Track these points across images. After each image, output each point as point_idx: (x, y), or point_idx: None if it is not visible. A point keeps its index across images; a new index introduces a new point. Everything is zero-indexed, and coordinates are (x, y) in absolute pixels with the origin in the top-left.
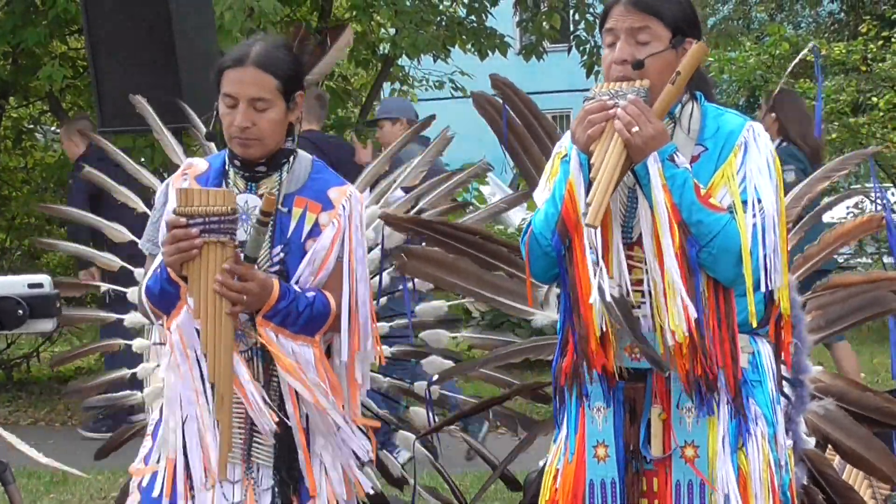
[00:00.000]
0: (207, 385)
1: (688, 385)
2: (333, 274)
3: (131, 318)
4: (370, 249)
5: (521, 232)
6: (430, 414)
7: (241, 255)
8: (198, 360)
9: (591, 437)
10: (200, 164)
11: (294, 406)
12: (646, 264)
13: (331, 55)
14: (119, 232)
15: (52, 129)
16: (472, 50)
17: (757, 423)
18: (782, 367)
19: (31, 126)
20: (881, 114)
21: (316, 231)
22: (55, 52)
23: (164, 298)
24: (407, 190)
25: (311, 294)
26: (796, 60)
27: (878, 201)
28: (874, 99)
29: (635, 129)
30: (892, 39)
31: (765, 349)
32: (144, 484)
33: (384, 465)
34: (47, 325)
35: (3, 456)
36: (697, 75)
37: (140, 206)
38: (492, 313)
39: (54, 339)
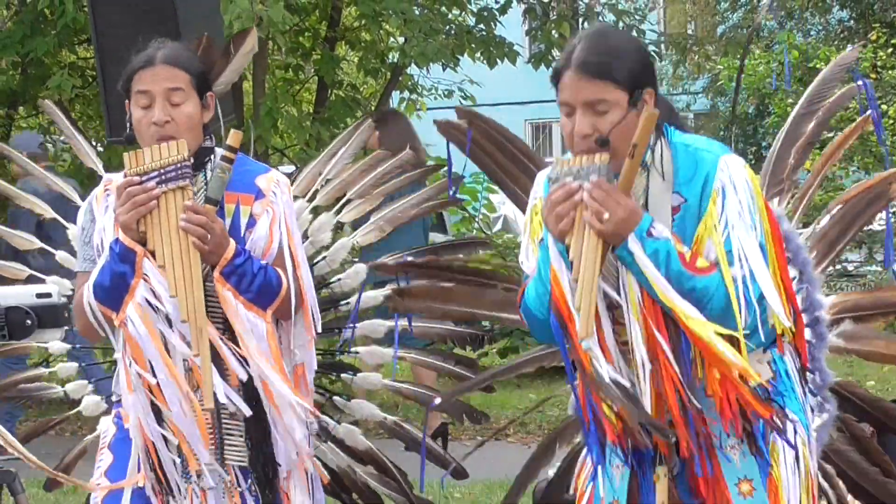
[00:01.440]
0: (178, 355)
1: (686, 451)
2: (276, 261)
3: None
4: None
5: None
6: (425, 438)
7: (203, 199)
8: (162, 334)
9: (608, 494)
10: (119, 177)
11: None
12: (631, 338)
13: (237, 61)
14: (25, 239)
15: (62, 139)
16: (482, 59)
17: (796, 432)
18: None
19: (41, 135)
20: (891, 121)
21: (252, 223)
22: (64, 61)
23: (116, 285)
24: None
25: (262, 262)
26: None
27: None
28: (884, 106)
29: (605, 215)
30: None
31: (786, 354)
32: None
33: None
34: (56, 334)
35: (12, 465)
36: (663, 107)
37: (49, 212)
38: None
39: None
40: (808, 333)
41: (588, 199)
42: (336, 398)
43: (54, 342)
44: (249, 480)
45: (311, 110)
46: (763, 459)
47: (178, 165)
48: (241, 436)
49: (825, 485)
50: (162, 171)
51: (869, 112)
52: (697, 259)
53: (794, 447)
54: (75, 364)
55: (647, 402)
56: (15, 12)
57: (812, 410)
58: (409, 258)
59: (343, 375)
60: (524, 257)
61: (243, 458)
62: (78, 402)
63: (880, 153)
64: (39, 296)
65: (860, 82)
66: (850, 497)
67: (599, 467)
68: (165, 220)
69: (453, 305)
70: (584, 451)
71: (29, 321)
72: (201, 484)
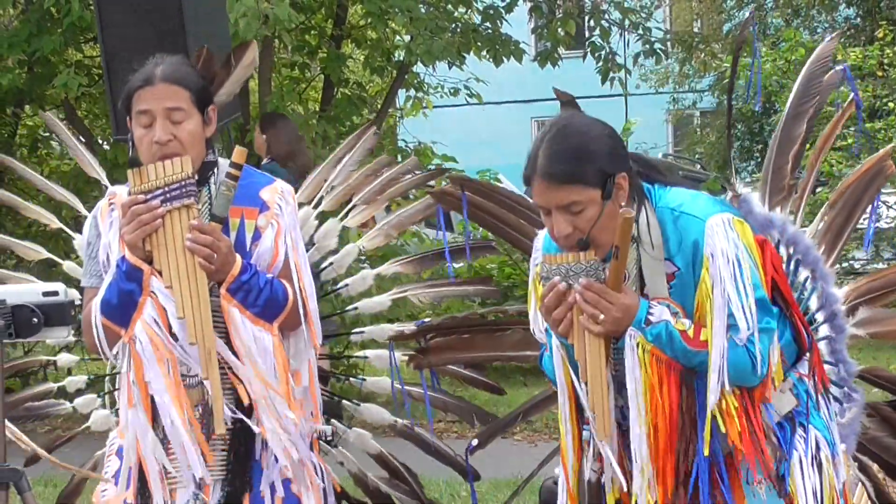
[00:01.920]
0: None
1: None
2: (282, 272)
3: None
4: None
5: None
6: (468, 463)
7: (208, 216)
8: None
9: None
10: (124, 191)
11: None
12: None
13: (238, 73)
14: (32, 250)
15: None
16: (487, 57)
17: (820, 449)
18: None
19: (47, 134)
20: None
21: (258, 236)
22: (70, 60)
23: (123, 303)
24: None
25: (269, 276)
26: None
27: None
28: (891, 104)
29: (601, 317)
30: None
31: (804, 375)
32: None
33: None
34: (62, 332)
35: (19, 464)
36: (638, 161)
37: (54, 222)
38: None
39: (71, 347)
40: (826, 328)
41: (581, 303)
42: (346, 402)
43: (63, 355)
44: (221, 494)
45: (318, 108)
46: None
47: (183, 183)
48: (223, 449)
49: (862, 477)
50: (167, 188)
51: (851, 97)
52: (701, 331)
53: (819, 463)
54: (84, 377)
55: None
56: (21, 11)
57: (840, 403)
58: (426, 322)
59: (352, 380)
60: (534, 325)
61: (222, 473)
62: (88, 417)
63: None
64: (46, 294)
65: (839, 68)
66: (888, 481)
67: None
68: (171, 239)
69: (476, 352)
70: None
71: (35, 319)
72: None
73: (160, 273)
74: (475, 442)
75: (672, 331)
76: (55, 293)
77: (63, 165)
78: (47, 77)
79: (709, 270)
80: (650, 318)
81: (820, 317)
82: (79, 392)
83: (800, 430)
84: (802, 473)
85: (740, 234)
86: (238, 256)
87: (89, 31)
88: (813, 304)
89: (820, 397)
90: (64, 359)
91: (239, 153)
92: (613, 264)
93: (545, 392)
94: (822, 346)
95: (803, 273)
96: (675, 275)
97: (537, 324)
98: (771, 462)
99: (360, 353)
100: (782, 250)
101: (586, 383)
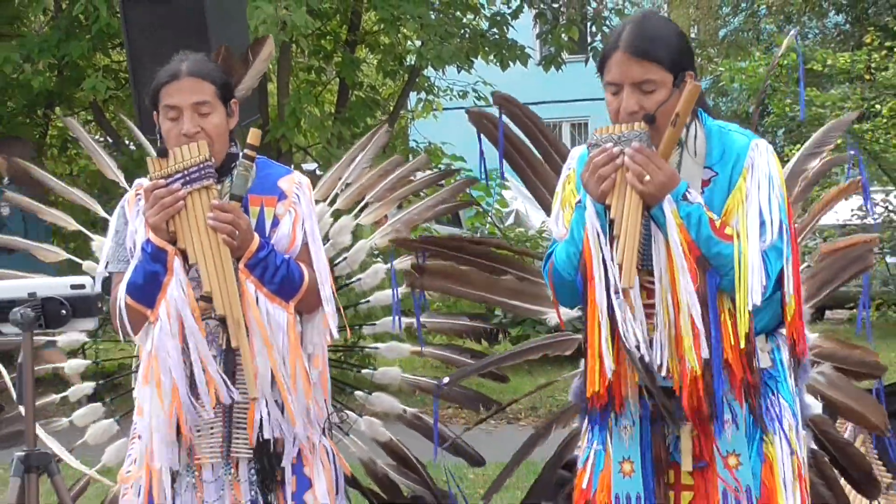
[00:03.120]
0: (200, 349)
1: (693, 415)
2: (299, 257)
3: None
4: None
5: (544, 257)
6: (436, 411)
7: (228, 195)
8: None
9: (617, 453)
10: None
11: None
12: (658, 298)
13: (255, 67)
14: (51, 252)
15: (96, 137)
16: (495, 61)
17: (784, 416)
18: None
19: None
20: (884, 120)
21: (276, 223)
22: (98, 64)
23: (149, 284)
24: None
25: (285, 256)
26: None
27: (853, 168)
28: (878, 106)
29: (647, 178)
30: (895, 50)
31: (782, 344)
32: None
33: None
34: (89, 324)
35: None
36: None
37: (73, 224)
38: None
39: (99, 337)
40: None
41: (630, 163)
42: (357, 392)
43: (72, 361)
44: (252, 471)
45: (333, 110)
46: (761, 430)
47: (201, 166)
48: (245, 428)
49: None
50: (186, 172)
51: (858, 178)
52: (725, 227)
53: (784, 429)
54: (91, 384)
55: (663, 362)
56: (51, 18)
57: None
58: (429, 236)
59: (364, 370)
60: (554, 223)
61: (249, 451)
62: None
63: (874, 150)
64: (74, 287)
65: (852, 151)
66: None
67: (602, 431)
68: (193, 219)
69: (469, 288)
70: (586, 424)
71: (64, 311)
72: (202, 477)
73: (184, 253)
74: (446, 380)
75: (703, 214)
76: (82, 286)
77: (91, 165)
78: (76, 80)
79: (746, 180)
80: (688, 195)
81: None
82: (81, 402)
83: (770, 396)
84: (781, 440)
85: (778, 165)
86: (256, 235)
87: (116, 37)
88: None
89: (790, 373)
90: (73, 364)
91: (254, 135)
92: (669, 131)
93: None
94: None
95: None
96: (712, 180)
97: (558, 221)
98: (754, 393)
99: (373, 345)
100: None
101: (616, 238)
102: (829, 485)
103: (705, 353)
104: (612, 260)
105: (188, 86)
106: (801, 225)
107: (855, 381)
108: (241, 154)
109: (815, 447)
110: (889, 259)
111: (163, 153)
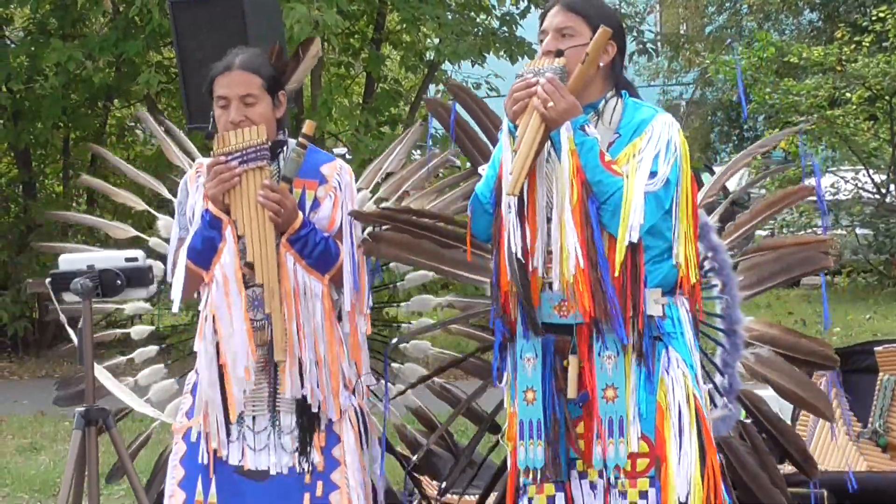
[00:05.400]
0: (241, 309)
1: (588, 326)
2: (336, 236)
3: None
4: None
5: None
6: (387, 365)
7: (279, 177)
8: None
9: (521, 383)
10: (208, 161)
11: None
12: (556, 222)
13: (305, 64)
14: (121, 229)
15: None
16: (505, 56)
17: (678, 366)
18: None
19: (133, 124)
20: (854, 107)
21: (316, 205)
22: (151, 61)
23: (206, 248)
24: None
25: (325, 234)
26: None
27: (807, 168)
28: (848, 94)
29: (550, 104)
30: (863, 43)
31: (681, 306)
32: (186, 435)
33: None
34: (142, 293)
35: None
36: (622, 79)
37: (140, 204)
38: None
39: (154, 303)
40: (724, 340)
41: (539, 90)
42: (392, 364)
43: (137, 327)
44: (294, 425)
45: (361, 101)
46: (648, 369)
47: (258, 148)
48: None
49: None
50: (244, 152)
51: (812, 184)
52: (613, 164)
53: (668, 373)
54: (155, 348)
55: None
56: (110, 19)
57: (710, 399)
58: (388, 207)
59: (400, 344)
60: (482, 167)
61: (291, 405)
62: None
63: (845, 133)
64: (128, 259)
65: (810, 162)
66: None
67: (511, 357)
68: (246, 195)
69: (421, 258)
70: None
71: (119, 281)
72: (255, 427)
73: (235, 223)
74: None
75: (595, 145)
76: (135, 259)
77: (147, 151)
78: (132, 76)
79: (642, 139)
80: (585, 128)
81: (719, 324)
82: (147, 362)
83: (662, 350)
84: (672, 388)
85: (682, 139)
86: (300, 213)
87: (167, 36)
88: (716, 310)
89: (688, 331)
90: (137, 330)
91: (309, 126)
92: (579, 68)
93: None
94: (717, 354)
95: (715, 280)
96: (615, 141)
97: (488, 164)
98: (630, 329)
99: (405, 322)
100: (700, 248)
101: (514, 152)
102: (757, 454)
103: (582, 262)
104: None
105: (238, 79)
106: (740, 221)
107: (807, 369)
108: (295, 141)
109: (747, 420)
110: (859, 231)
111: (211, 136)
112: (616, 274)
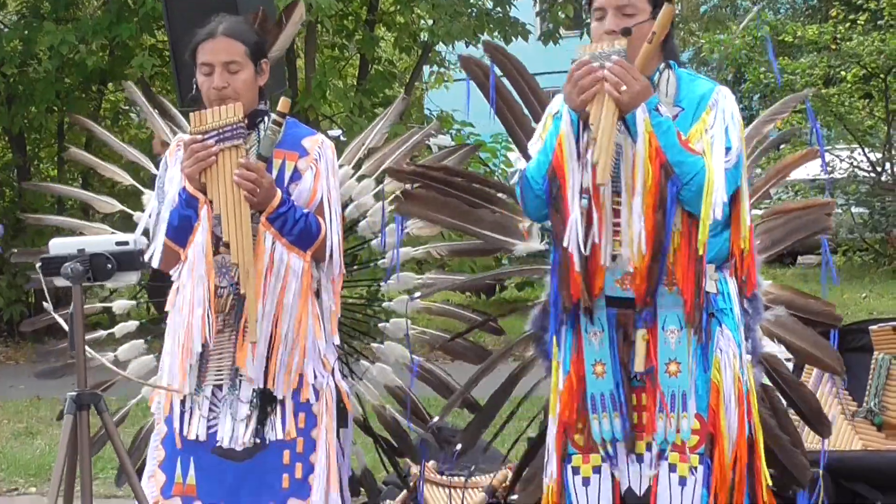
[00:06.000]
0: (209, 288)
1: (642, 303)
2: (317, 210)
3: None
4: (344, 206)
5: (512, 176)
6: (408, 333)
7: (255, 155)
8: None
9: (589, 357)
10: (187, 137)
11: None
12: (624, 205)
13: (288, 30)
14: (108, 203)
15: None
16: (499, 36)
17: (729, 345)
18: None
19: (127, 108)
20: (849, 85)
21: (296, 176)
22: (145, 44)
23: (182, 226)
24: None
25: (305, 210)
26: None
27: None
28: (842, 73)
29: (623, 87)
30: (858, 22)
31: (731, 280)
32: (168, 418)
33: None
34: (132, 277)
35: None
36: (671, 50)
37: (127, 179)
38: None
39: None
40: (746, 304)
41: (608, 74)
42: (372, 343)
43: (119, 301)
44: (254, 393)
45: (355, 83)
46: (704, 344)
47: (234, 126)
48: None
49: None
50: (220, 130)
51: (816, 148)
52: (689, 143)
53: (721, 350)
54: (135, 322)
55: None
56: (104, 2)
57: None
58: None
59: (379, 324)
60: (532, 144)
61: (259, 377)
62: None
63: (840, 112)
64: (119, 243)
65: (812, 124)
66: None
67: (579, 335)
68: (222, 174)
69: (448, 216)
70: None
71: (110, 265)
72: (215, 396)
73: (212, 203)
74: (418, 294)
75: (671, 125)
76: (126, 243)
77: (141, 134)
78: (125, 59)
79: (710, 113)
80: (659, 108)
81: None
82: (126, 337)
83: (716, 327)
84: (726, 367)
85: (738, 111)
86: (279, 191)
87: (160, 19)
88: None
89: (737, 306)
90: (119, 304)
91: (284, 103)
92: (645, 47)
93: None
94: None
95: None
96: (678, 115)
97: (535, 141)
98: (693, 307)
99: (387, 303)
100: None
101: (592, 141)
102: (777, 416)
103: (644, 249)
104: (580, 164)
105: (221, 45)
106: (755, 187)
107: (813, 328)
108: (270, 119)
109: (767, 383)
110: (854, 209)
111: (195, 100)
112: (700, 253)
